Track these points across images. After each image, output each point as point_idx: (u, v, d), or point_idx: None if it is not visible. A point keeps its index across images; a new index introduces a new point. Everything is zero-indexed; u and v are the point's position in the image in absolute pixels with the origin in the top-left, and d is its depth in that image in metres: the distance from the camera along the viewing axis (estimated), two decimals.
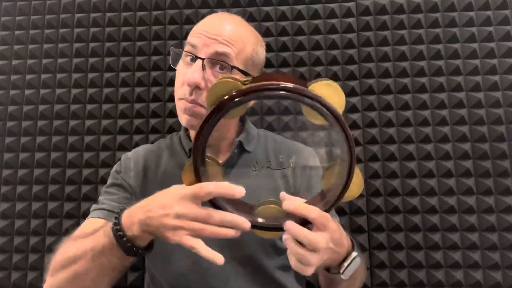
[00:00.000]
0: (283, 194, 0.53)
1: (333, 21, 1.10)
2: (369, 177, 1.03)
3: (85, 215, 1.05)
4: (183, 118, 0.63)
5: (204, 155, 0.51)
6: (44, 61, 1.14)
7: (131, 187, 0.69)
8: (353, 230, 1.01)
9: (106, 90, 1.12)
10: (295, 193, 0.69)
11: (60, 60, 1.14)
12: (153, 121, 1.09)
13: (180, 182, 0.63)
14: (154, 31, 1.13)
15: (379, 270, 1.00)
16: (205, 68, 0.60)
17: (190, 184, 0.50)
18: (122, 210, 0.53)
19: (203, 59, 0.60)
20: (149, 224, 0.47)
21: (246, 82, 0.48)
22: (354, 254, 0.56)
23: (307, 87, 0.47)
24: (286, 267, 0.66)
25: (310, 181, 0.72)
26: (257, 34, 0.69)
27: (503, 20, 1.05)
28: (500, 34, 1.04)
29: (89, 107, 1.11)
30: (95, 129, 1.10)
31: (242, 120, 0.76)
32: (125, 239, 0.49)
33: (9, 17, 1.17)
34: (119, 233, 0.49)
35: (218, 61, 0.60)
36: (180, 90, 0.63)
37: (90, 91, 1.12)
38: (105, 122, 1.10)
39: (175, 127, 1.09)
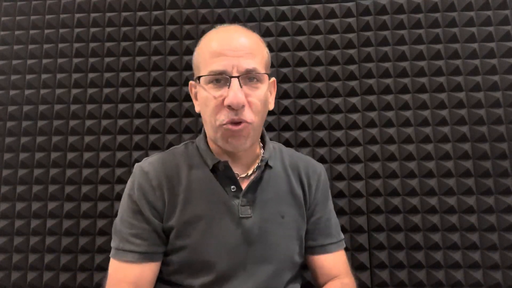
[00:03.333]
0: None
1: (333, 21, 1.10)
2: (369, 177, 1.03)
3: (85, 215, 1.05)
4: (231, 142, 0.62)
5: None
6: (44, 61, 1.14)
7: (157, 210, 0.65)
8: (353, 230, 1.01)
9: (106, 90, 1.12)
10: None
11: (60, 60, 1.14)
12: (153, 121, 1.09)
13: (203, 198, 0.65)
14: (154, 31, 1.13)
15: (379, 270, 1.00)
16: (241, 86, 0.60)
17: None
18: None
19: (238, 77, 0.59)
20: None
21: None
22: None
23: None
24: (295, 280, 0.72)
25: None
26: (261, 38, 0.70)
27: (503, 20, 1.05)
28: (500, 34, 1.04)
29: (89, 107, 1.11)
30: (95, 129, 1.10)
31: (262, 136, 0.75)
32: None
33: (9, 17, 1.17)
34: None
35: (251, 75, 0.61)
36: (220, 116, 0.61)
37: (90, 91, 1.12)
38: (105, 122, 1.10)
39: (174, 127, 1.09)
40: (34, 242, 1.05)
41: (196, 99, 0.69)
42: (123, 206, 0.66)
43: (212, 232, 0.64)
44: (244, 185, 0.68)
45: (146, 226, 0.63)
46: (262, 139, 0.75)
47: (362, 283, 0.99)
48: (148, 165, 0.68)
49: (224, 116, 0.60)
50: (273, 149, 0.74)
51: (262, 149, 0.74)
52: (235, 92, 0.58)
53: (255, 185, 0.68)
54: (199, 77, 0.63)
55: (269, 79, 0.67)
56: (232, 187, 0.66)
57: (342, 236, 0.77)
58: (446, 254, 0.98)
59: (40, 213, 1.07)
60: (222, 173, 0.67)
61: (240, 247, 0.64)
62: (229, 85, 0.59)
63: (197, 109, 0.69)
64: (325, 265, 0.72)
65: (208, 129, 0.66)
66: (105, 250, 1.04)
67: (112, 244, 0.65)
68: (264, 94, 0.64)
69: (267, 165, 0.70)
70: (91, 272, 1.04)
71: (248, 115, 0.61)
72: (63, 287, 1.03)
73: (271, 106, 0.70)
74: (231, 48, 0.60)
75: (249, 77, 0.61)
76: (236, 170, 0.69)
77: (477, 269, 0.96)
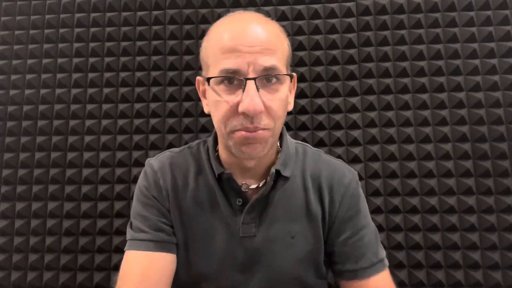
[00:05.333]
0: None
1: (333, 21, 1.10)
2: (369, 177, 1.03)
3: (85, 215, 1.05)
4: (244, 149, 0.53)
5: None
6: (44, 61, 1.14)
7: (165, 207, 0.61)
8: None
9: (106, 90, 1.12)
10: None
11: (60, 60, 1.14)
12: (153, 121, 1.09)
13: (205, 211, 0.60)
14: (154, 31, 1.13)
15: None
16: (258, 89, 0.50)
17: None
18: None
19: (254, 79, 0.50)
20: None
21: None
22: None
23: None
24: None
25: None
26: (281, 27, 0.58)
27: (503, 20, 1.05)
28: (500, 34, 1.04)
29: (89, 107, 1.11)
30: (95, 129, 1.10)
31: (281, 138, 0.65)
32: None
33: (9, 17, 1.17)
34: None
35: (269, 76, 0.51)
36: (232, 122, 0.52)
37: (90, 91, 1.12)
38: (105, 122, 1.10)
39: (175, 127, 1.09)
40: (34, 242, 1.05)
41: (205, 97, 0.59)
42: (134, 201, 0.63)
43: (212, 250, 0.60)
44: (253, 197, 0.59)
45: (155, 217, 0.60)
46: (282, 141, 0.65)
47: None
48: (156, 162, 0.65)
49: (236, 123, 0.51)
50: (293, 154, 0.64)
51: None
52: (251, 97, 0.49)
53: (264, 199, 0.60)
54: (208, 78, 0.53)
55: (290, 76, 0.57)
56: (238, 200, 0.59)
57: (380, 256, 0.62)
58: (446, 254, 0.98)
59: (40, 213, 1.07)
60: (228, 185, 0.60)
61: (242, 268, 0.60)
62: (243, 88, 0.50)
63: (206, 109, 0.59)
64: None
65: (218, 135, 0.58)
66: (105, 250, 1.04)
67: (127, 237, 0.62)
68: (284, 97, 0.54)
69: (281, 176, 0.61)
70: (91, 272, 1.04)
71: (265, 121, 0.51)
72: (63, 287, 1.03)
73: (291, 107, 0.59)
74: (246, 42, 0.50)
75: (267, 77, 0.51)
76: (247, 180, 0.61)
77: (477, 269, 0.96)
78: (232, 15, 0.56)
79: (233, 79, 0.51)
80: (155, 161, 0.65)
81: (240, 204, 0.59)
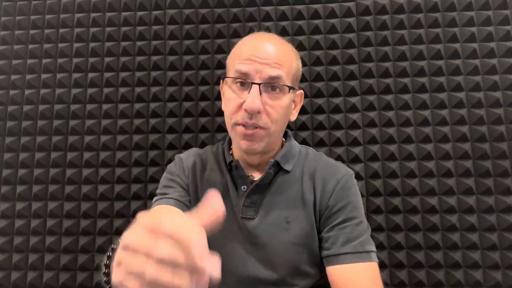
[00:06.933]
0: None
1: (333, 21, 1.10)
2: (369, 177, 1.03)
3: (85, 214, 1.05)
4: (242, 144, 0.64)
5: None
6: (44, 61, 1.14)
7: (187, 186, 0.72)
8: None
9: (106, 90, 1.12)
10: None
11: (60, 60, 1.14)
12: (153, 121, 1.09)
13: (220, 191, 0.66)
14: (154, 31, 1.13)
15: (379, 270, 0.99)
16: (261, 93, 0.62)
17: None
18: None
19: (259, 84, 0.61)
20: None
21: None
22: None
23: None
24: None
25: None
26: (295, 50, 0.71)
27: (503, 20, 1.05)
28: (500, 34, 1.04)
29: (89, 107, 1.11)
30: (95, 129, 1.10)
31: (285, 136, 0.76)
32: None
33: (9, 17, 1.17)
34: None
35: (273, 84, 0.62)
36: (236, 116, 0.64)
37: (90, 91, 1.12)
38: (105, 122, 1.10)
39: (175, 127, 1.09)
40: (34, 242, 1.05)
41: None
42: (161, 182, 0.74)
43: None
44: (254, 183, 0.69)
45: (179, 189, 0.71)
46: (285, 142, 0.75)
47: None
48: (183, 154, 0.78)
49: (239, 117, 0.63)
50: (296, 154, 0.73)
51: None
52: (252, 98, 0.61)
53: (263, 187, 0.68)
54: (225, 77, 0.67)
55: (295, 90, 0.69)
56: (243, 187, 0.69)
57: (367, 249, 0.64)
58: (446, 254, 0.98)
59: (40, 213, 1.07)
60: (236, 173, 0.70)
61: (242, 247, 0.67)
62: (249, 90, 0.62)
63: (222, 107, 0.72)
64: (340, 278, 0.62)
65: (227, 127, 0.68)
66: (105, 250, 1.04)
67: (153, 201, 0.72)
68: (284, 105, 0.64)
69: (282, 169, 0.70)
70: (91, 272, 1.04)
71: (263, 121, 0.62)
72: (63, 287, 1.03)
73: (293, 118, 0.71)
74: (259, 55, 0.63)
75: (271, 86, 0.63)
76: (253, 173, 0.71)
77: (477, 269, 0.96)
78: (257, 34, 0.71)
79: (244, 83, 0.63)
80: (182, 154, 0.79)
81: (244, 190, 0.68)
